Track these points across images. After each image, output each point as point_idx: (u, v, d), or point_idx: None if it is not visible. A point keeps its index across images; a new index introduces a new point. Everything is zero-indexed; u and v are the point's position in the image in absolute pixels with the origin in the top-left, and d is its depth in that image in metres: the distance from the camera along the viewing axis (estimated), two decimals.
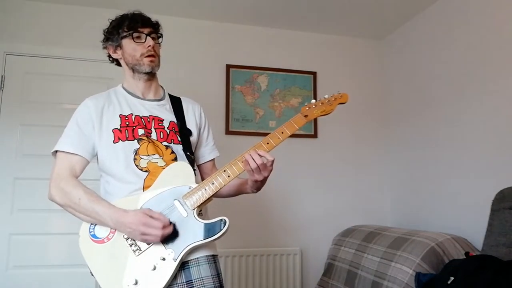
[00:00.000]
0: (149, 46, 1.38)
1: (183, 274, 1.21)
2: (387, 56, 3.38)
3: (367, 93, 3.37)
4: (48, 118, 2.73)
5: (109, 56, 1.48)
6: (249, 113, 3.08)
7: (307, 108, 1.36)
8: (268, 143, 1.28)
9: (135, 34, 1.38)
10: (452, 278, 1.68)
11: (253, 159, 1.23)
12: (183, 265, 1.21)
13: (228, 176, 1.25)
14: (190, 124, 1.47)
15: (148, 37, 1.39)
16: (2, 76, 2.70)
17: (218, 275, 1.29)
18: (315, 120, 3.17)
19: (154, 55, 1.40)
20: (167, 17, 3.01)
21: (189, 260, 1.23)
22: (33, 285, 2.55)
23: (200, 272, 1.24)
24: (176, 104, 1.50)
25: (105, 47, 1.47)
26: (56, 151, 1.33)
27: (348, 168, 3.24)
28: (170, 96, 1.53)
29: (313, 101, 1.38)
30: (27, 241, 2.59)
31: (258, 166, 1.24)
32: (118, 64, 1.49)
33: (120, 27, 1.41)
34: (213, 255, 1.31)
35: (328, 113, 1.38)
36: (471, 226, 2.33)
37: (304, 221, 3.04)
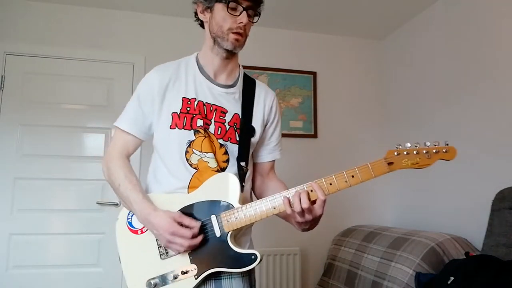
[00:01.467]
0: (241, 22, 1.20)
1: (213, 284, 1.16)
2: (387, 56, 3.38)
3: (367, 93, 3.37)
4: (48, 118, 2.73)
5: (196, 14, 1.33)
6: None
7: (395, 154, 1.09)
8: (331, 184, 1.09)
9: (231, 4, 1.19)
10: (452, 278, 1.68)
11: (300, 200, 1.06)
12: (216, 275, 1.16)
13: (274, 208, 1.11)
14: (256, 118, 1.31)
15: (244, 12, 1.20)
16: (2, 76, 2.70)
17: None
18: (315, 120, 3.18)
19: (242, 34, 1.23)
20: (168, 17, 3.01)
21: (223, 272, 1.16)
22: (33, 285, 2.55)
23: (232, 285, 1.17)
24: (248, 91, 1.33)
25: (195, 2, 1.30)
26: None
27: (348, 168, 3.23)
28: (244, 78, 1.36)
29: (408, 144, 1.09)
30: (27, 241, 2.59)
31: (303, 210, 1.07)
32: (202, 25, 1.33)
33: None
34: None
35: (422, 167, 1.09)
36: (471, 226, 2.33)
37: None
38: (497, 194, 2.01)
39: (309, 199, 1.07)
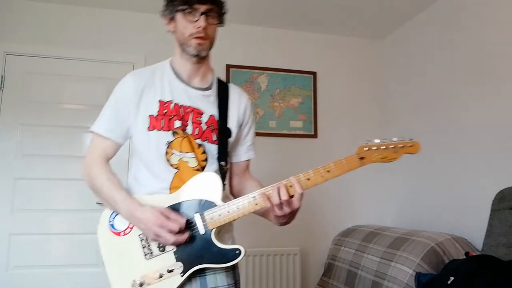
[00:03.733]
0: (200, 27, 1.22)
1: (198, 281, 1.19)
2: (387, 56, 3.38)
3: (367, 93, 3.37)
4: (48, 118, 2.73)
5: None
6: None
7: (366, 149, 1.15)
8: (309, 179, 1.14)
9: (187, 10, 1.22)
10: (452, 278, 1.68)
11: (279, 194, 1.11)
12: (200, 271, 1.18)
13: (256, 205, 1.16)
14: (232, 120, 1.34)
15: (203, 17, 1.21)
16: (2, 76, 2.70)
17: (235, 283, 1.26)
18: (315, 120, 3.18)
19: (204, 37, 1.24)
20: None
21: (207, 268, 1.19)
22: (33, 285, 2.55)
23: (217, 280, 1.20)
24: (223, 93, 1.36)
25: (162, 15, 1.33)
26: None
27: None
28: (219, 82, 1.39)
29: (377, 140, 1.16)
30: (27, 241, 2.59)
31: (281, 203, 1.12)
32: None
33: None
34: None
35: (390, 161, 1.16)
36: (471, 226, 2.33)
37: (304, 221, 3.03)
38: (497, 194, 2.01)
39: (288, 193, 1.12)
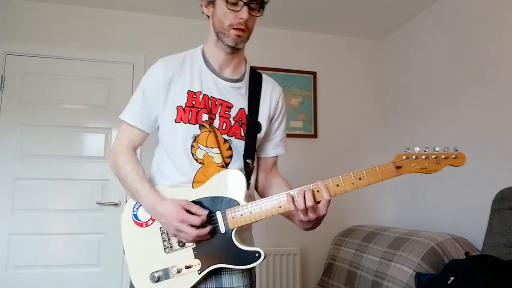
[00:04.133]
0: (241, 18, 1.16)
1: (213, 279, 1.17)
2: (387, 56, 3.38)
3: (367, 93, 3.37)
4: (48, 118, 2.73)
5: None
6: None
7: (404, 158, 1.08)
8: (338, 185, 1.08)
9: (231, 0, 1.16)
10: (452, 278, 1.68)
11: (304, 198, 1.06)
12: (216, 271, 1.15)
13: (280, 207, 1.11)
14: (262, 114, 1.29)
15: (245, 7, 1.16)
16: (2, 76, 2.70)
17: (251, 284, 1.23)
18: (315, 120, 3.18)
19: (244, 30, 1.19)
20: (167, 17, 3.01)
21: (223, 267, 1.17)
22: (33, 285, 2.55)
23: (232, 281, 1.18)
24: (255, 85, 1.31)
25: None
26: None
27: (348, 168, 3.21)
28: (251, 72, 1.33)
29: (417, 149, 1.09)
30: (27, 241, 2.59)
31: (306, 208, 1.06)
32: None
33: None
34: None
35: (430, 173, 1.08)
36: (471, 226, 2.33)
37: None
38: (497, 194, 2.01)
39: (314, 198, 1.07)
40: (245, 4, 1.16)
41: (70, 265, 2.61)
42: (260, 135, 1.28)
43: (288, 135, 3.09)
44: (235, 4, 1.16)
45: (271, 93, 1.32)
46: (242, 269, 1.19)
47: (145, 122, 1.25)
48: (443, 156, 1.07)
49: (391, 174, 1.08)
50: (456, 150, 1.08)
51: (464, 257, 1.90)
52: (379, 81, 3.42)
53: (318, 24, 3.19)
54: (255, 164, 1.31)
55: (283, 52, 3.23)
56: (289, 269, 2.93)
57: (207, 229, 1.11)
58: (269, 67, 3.16)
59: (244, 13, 1.16)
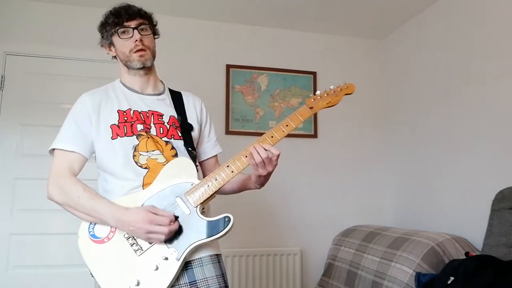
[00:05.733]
0: (136, 40, 1.32)
1: (185, 274, 1.18)
2: (387, 56, 3.38)
3: (367, 93, 3.37)
4: (48, 118, 2.73)
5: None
6: (249, 113, 3.08)
7: (312, 100, 1.32)
8: (272, 137, 1.25)
9: (120, 30, 1.33)
10: (452, 278, 1.68)
11: (258, 152, 1.20)
12: (186, 265, 1.17)
13: (232, 172, 1.21)
14: (191, 119, 1.43)
15: (135, 31, 1.32)
16: (2, 76, 2.70)
17: (222, 275, 1.25)
18: (315, 120, 3.18)
19: (144, 49, 1.34)
20: (168, 17, 3.01)
21: (192, 260, 1.20)
22: (33, 285, 2.55)
23: (204, 272, 1.20)
24: (177, 98, 1.45)
25: (102, 46, 1.44)
26: (54, 149, 1.29)
27: (348, 168, 3.24)
28: (170, 90, 1.48)
29: (318, 92, 1.34)
30: (27, 241, 2.59)
31: (263, 160, 1.20)
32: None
33: (108, 24, 1.35)
34: (216, 254, 1.27)
35: (334, 105, 1.34)
36: (471, 226, 2.33)
37: (304, 221, 3.04)
38: (497, 194, 2.01)
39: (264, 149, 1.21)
40: (133, 29, 1.32)
41: (70, 265, 2.61)
42: (194, 134, 1.41)
43: (288, 135, 3.09)
44: (126, 32, 1.33)
45: (194, 102, 1.48)
46: (211, 259, 1.23)
47: (81, 145, 1.29)
48: (339, 89, 1.36)
49: (307, 114, 1.30)
50: (345, 83, 1.38)
51: (464, 257, 1.90)
52: (379, 81, 3.41)
53: (318, 24, 3.19)
54: (196, 152, 1.42)
55: (283, 52, 3.23)
56: (289, 269, 2.93)
57: (177, 223, 1.16)
58: (269, 67, 3.16)
59: (136, 35, 1.32)
